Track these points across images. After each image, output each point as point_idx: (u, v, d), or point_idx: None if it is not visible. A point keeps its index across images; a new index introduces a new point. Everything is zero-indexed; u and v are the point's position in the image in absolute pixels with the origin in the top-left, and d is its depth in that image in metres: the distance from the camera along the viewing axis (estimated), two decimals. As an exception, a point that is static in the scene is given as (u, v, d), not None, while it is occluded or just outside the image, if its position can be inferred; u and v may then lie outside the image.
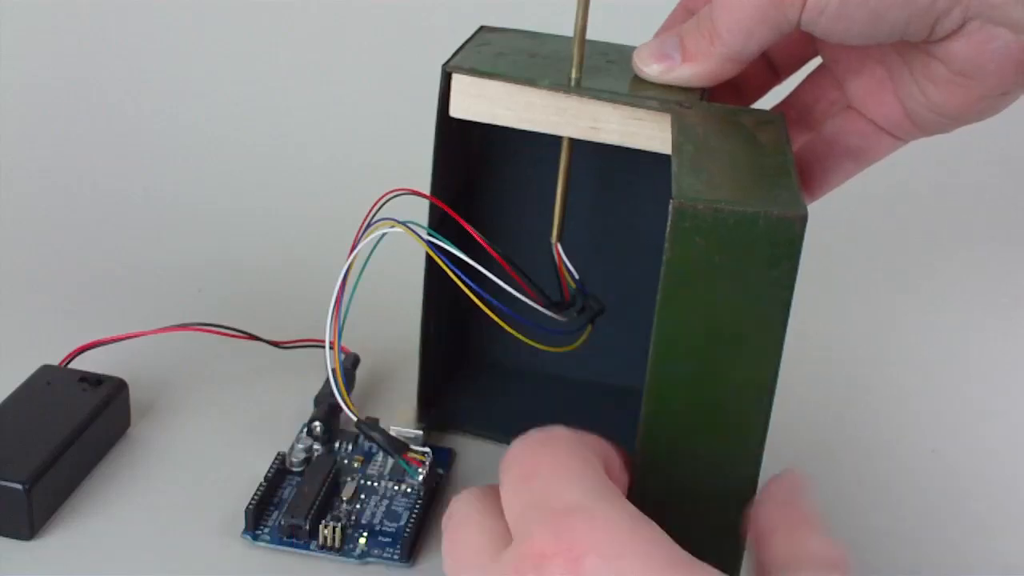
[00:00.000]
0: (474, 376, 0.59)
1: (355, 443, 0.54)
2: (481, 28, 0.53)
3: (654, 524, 0.36)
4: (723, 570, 0.42)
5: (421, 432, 0.53)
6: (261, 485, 0.49)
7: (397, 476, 0.52)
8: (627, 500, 0.37)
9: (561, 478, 0.37)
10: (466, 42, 0.51)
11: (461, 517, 0.40)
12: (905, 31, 0.45)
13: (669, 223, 0.38)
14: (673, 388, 0.40)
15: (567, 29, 0.49)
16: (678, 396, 0.40)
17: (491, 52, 0.50)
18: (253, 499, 0.49)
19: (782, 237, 0.38)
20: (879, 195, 0.73)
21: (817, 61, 0.53)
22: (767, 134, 0.45)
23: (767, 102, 0.54)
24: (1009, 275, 0.74)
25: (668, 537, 0.36)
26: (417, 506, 0.50)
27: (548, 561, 0.35)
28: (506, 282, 0.48)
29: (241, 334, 0.57)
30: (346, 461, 0.53)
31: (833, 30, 0.45)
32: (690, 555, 0.35)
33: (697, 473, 0.41)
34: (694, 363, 0.40)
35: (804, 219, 0.38)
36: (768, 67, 0.53)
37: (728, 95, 0.51)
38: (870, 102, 0.51)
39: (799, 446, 0.57)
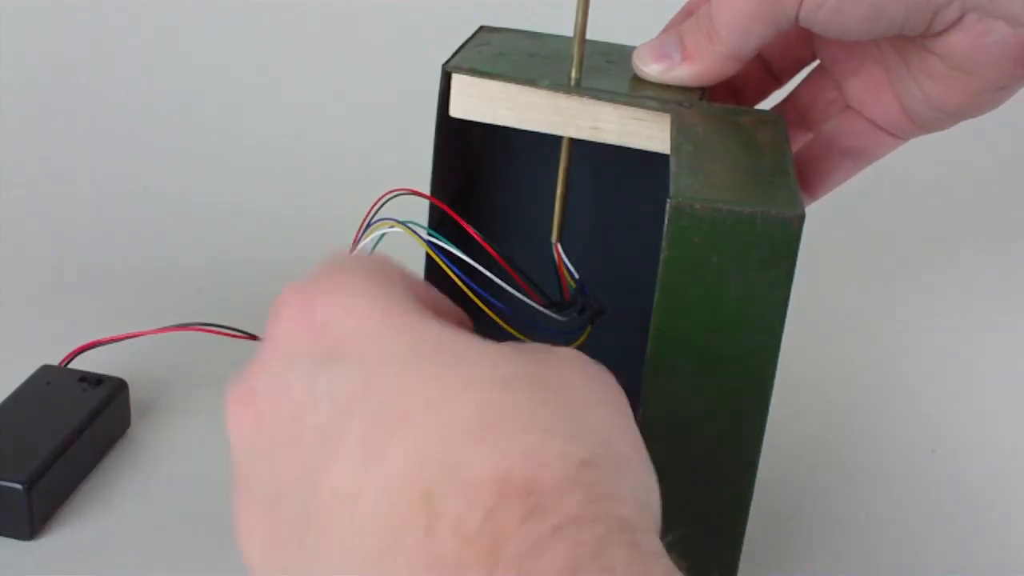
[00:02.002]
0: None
1: (355, 443, 0.54)
2: (481, 28, 0.53)
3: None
4: (721, 568, 0.42)
5: (421, 432, 0.53)
6: (261, 485, 0.49)
7: (397, 476, 0.52)
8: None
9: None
10: (466, 42, 0.51)
11: None
12: (904, 25, 0.45)
13: (667, 223, 0.38)
14: (671, 387, 0.40)
15: (566, 29, 0.49)
16: (676, 395, 0.40)
17: (491, 52, 0.50)
18: (253, 499, 0.49)
19: (780, 237, 0.38)
20: (877, 195, 0.73)
21: (815, 65, 0.53)
22: (766, 134, 0.45)
23: (765, 105, 0.54)
24: (1009, 275, 0.74)
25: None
26: (417, 506, 0.50)
27: (281, 307, 0.34)
28: (506, 282, 0.48)
29: (241, 334, 0.57)
30: (346, 461, 0.53)
31: (831, 25, 0.45)
32: (438, 294, 0.34)
33: (695, 474, 0.41)
34: (691, 362, 0.40)
35: (801, 219, 0.38)
36: (767, 71, 0.53)
37: (728, 100, 0.51)
38: (868, 101, 0.51)
39: (798, 446, 0.57)
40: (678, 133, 0.43)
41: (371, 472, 0.29)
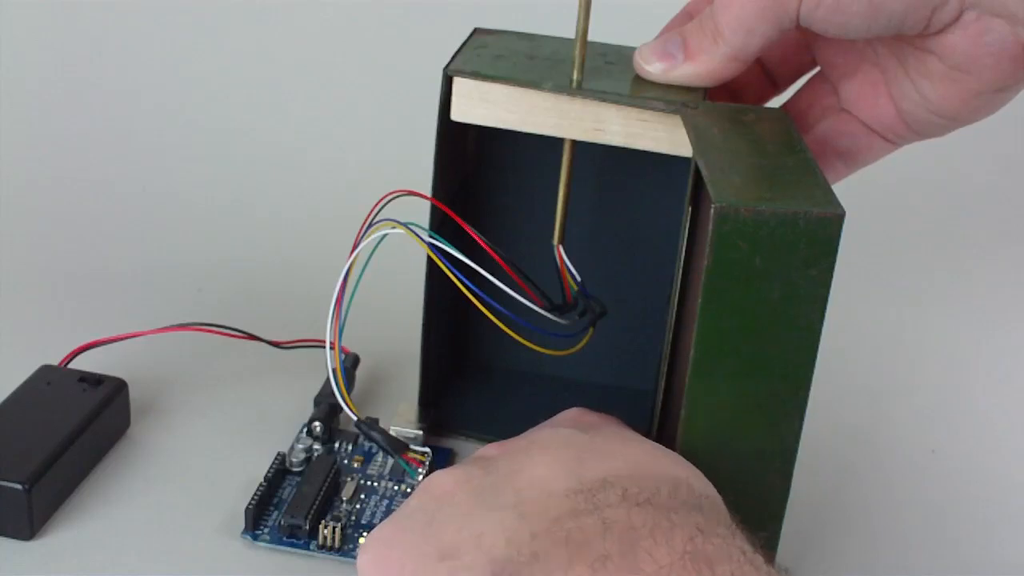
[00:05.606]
0: (474, 378, 0.59)
1: (355, 443, 0.54)
2: (475, 30, 0.53)
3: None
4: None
5: (421, 432, 0.53)
6: (261, 485, 0.49)
7: (397, 476, 0.52)
8: None
9: None
10: (463, 45, 0.51)
11: None
12: (902, 23, 0.45)
13: (711, 228, 0.38)
14: (713, 390, 0.41)
15: (556, 29, 0.49)
16: (717, 397, 0.41)
17: (490, 55, 0.50)
18: (253, 499, 0.49)
19: (821, 236, 0.38)
20: (879, 196, 0.73)
21: (814, 72, 0.53)
22: (777, 132, 0.45)
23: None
24: (1009, 276, 0.74)
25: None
26: (417, 506, 0.50)
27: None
28: (508, 285, 0.48)
29: (241, 334, 0.57)
30: (346, 461, 0.53)
31: (831, 24, 0.45)
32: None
33: (734, 470, 0.42)
34: (734, 364, 0.40)
35: (842, 217, 0.38)
36: (766, 77, 0.53)
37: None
38: (863, 103, 0.51)
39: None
40: (696, 137, 0.43)
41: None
